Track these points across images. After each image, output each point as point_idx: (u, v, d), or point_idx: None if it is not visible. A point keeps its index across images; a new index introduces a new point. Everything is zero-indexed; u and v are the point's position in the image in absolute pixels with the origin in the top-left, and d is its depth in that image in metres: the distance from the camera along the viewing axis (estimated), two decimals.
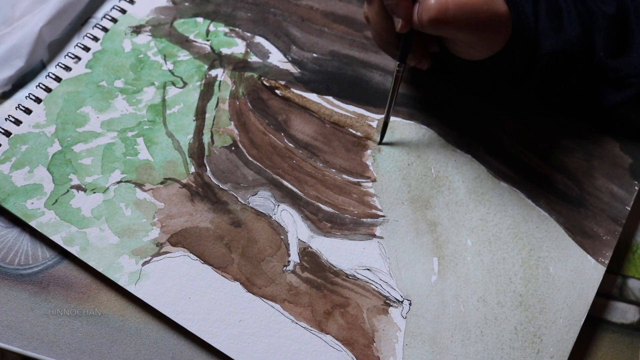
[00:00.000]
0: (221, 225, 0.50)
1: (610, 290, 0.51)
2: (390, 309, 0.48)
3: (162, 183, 0.52)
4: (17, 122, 0.53)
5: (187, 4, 0.59)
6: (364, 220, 0.51)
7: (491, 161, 0.53)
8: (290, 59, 0.57)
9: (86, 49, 0.57)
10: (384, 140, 0.54)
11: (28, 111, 0.54)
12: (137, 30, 0.58)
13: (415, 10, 0.47)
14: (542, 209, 0.51)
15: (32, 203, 0.51)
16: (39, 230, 0.50)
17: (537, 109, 0.55)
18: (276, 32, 0.58)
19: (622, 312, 0.51)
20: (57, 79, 0.55)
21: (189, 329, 0.47)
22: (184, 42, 0.57)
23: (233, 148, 0.53)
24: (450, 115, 0.55)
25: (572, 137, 0.54)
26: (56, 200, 0.51)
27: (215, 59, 0.57)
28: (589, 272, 0.50)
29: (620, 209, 0.52)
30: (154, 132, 0.54)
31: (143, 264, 0.49)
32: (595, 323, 0.50)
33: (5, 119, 0.54)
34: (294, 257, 0.50)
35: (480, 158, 0.53)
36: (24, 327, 0.48)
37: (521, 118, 0.55)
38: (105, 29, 0.58)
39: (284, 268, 0.49)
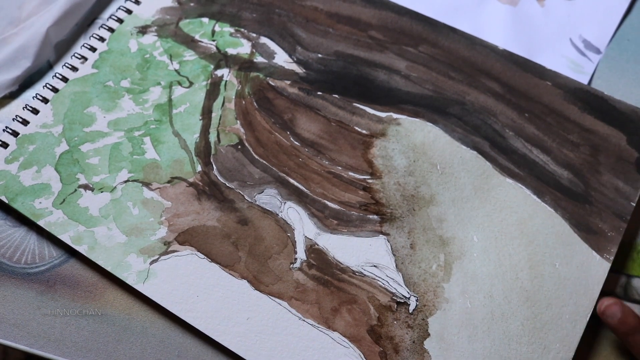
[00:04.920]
0: (228, 224, 0.51)
1: (614, 289, 0.51)
2: (398, 306, 0.48)
3: (169, 182, 0.52)
4: (25, 122, 0.54)
5: (192, 4, 0.60)
6: (370, 217, 0.51)
7: (497, 158, 0.53)
8: (295, 59, 0.58)
9: (92, 49, 0.57)
10: (390, 136, 0.54)
11: (35, 111, 0.54)
12: (143, 30, 0.58)
13: None
14: (547, 205, 0.52)
15: (40, 202, 0.51)
16: (47, 229, 0.50)
17: (540, 105, 0.56)
18: (281, 32, 0.59)
19: None
20: (64, 79, 0.56)
21: (197, 327, 0.47)
22: (190, 42, 0.58)
23: (239, 147, 0.54)
24: (456, 112, 0.55)
25: (578, 131, 0.55)
26: (64, 200, 0.51)
27: (221, 59, 0.57)
28: (594, 268, 0.50)
29: (625, 205, 0.52)
30: (160, 132, 0.54)
31: (151, 263, 0.49)
32: (599, 321, 0.50)
33: (13, 119, 0.54)
34: (301, 254, 0.50)
35: (486, 155, 0.53)
36: (30, 325, 0.48)
37: (526, 114, 0.55)
38: (111, 30, 0.58)
39: (291, 265, 0.50)
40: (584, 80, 0.58)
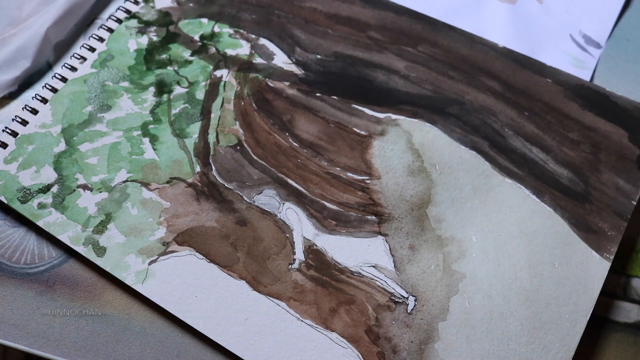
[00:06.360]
0: (227, 224, 0.51)
1: (614, 289, 0.51)
2: (396, 306, 0.48)
3: (168, 182, 0.52)
4: (24, 123, 0.54)
5: (191, 4, 0.60)
6: (369, 217, 0.51)
7: (496, 157, 0.53)
8: (294, 60, 0.58)
9: (92, 49, 0.57)
10: (389, 137, 0.54)
11: (34, 111, 0.54)
12: (142, 30, 0.58)
13: None
14: (546, 205, 0.52)
15: (39, 203, 0.51)
16: (46, 229, 0.50)
17: (540, 103, 0.55)
18: (280, 34, 0.59)
19: (626, 312, 0.51)
20: (63, 80, 0.56)
21: (195, 327, 0.47)
22: (189, 43, 0.58)
23: (238, 147, 0.54)
24: (455, 112, 0.55)
25: (579, 129, 0.54)
26: (63, 200, 0.51)
27: (220, 59, 0.57)
28: (594, 267, 0.50)
29: (626, 204, 0.52)
30: (159, 132, 0.54)
31: (150, 263, 0.49)
32: (599, 322, 0.50)
33: (12, 120, 0.54)
34: (299, 255, 0.50)
35: (485, 154, 0.53)
36: (30, 325, 0.48)
37: (525, 113, 0.55)
38: (110, 30, 0.58)
39: (290, 266, 0.50)
40: (586, 75, 0.58)
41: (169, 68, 0.56)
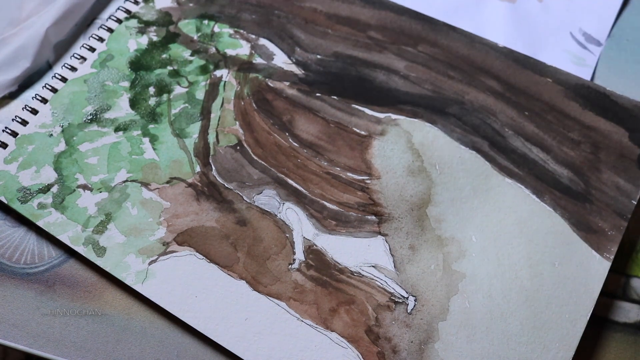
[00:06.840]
0: (227, 224, 0.51)
1: (614, 289, 0.51)
2: (396, 306, 0.48)
3: (168, 182, 0.52)
4: (24, 123, 0.54)
5: (191, 4, 0.60)
6: (369, 217, 0.51)
7: (496, 157, 0.53)
8: (294, 60, 0.58)
9: (92, 49, 0.57)
10: (389, 137, 0.54)
11: (34, 111, 0.54)
12: (142, 30, 0.58)
13: None
14: (547, 205, 0.51)
15: (39, 203, 0.51)
16: (46, 229, 0.50)
17: (540, 103, 0.55)
18: (280, 34, 0.59)
19: (625, 312, 0.51)
20: (63, 80, 0.56)
21: (195, 327, 0.47)
22: (189, 43, 0.58)
23: (238, 147, 0.54)
24: (454, 112, 0.55)
25: (579, 129, 0.54)
26: (63, 200, 0.51)
27: (220, 59, 0.57)
28: (594, 267, 0.50)
29: (626, 203, 0.52)
30: (159, 132, 0.54)
31: (150, 263, 0.49)
32: (598, 322, 0.50)
33: (12, 120, 0.54)
34: (299, 255, 0.50)
35: (485, 154, 0.53)
36: (30, 325, 0.48)
37: (526, 113, 0.55)
38: (110, 30, 0.58)
39: (290, 266, 0.50)
40: (587, 73, 0.58)
41: (169, 68, 0.56)
